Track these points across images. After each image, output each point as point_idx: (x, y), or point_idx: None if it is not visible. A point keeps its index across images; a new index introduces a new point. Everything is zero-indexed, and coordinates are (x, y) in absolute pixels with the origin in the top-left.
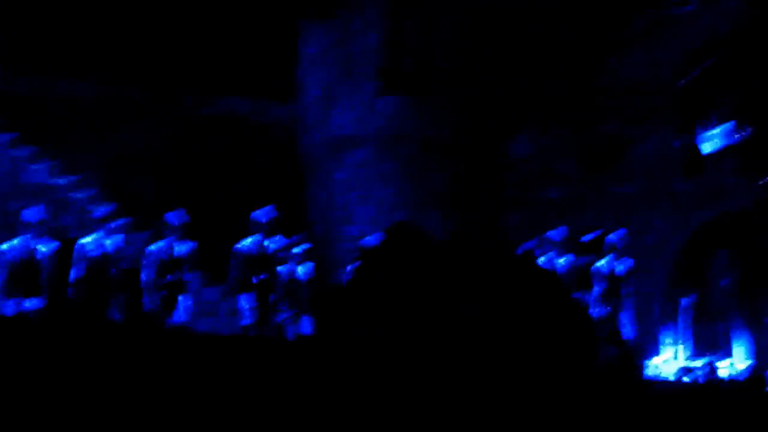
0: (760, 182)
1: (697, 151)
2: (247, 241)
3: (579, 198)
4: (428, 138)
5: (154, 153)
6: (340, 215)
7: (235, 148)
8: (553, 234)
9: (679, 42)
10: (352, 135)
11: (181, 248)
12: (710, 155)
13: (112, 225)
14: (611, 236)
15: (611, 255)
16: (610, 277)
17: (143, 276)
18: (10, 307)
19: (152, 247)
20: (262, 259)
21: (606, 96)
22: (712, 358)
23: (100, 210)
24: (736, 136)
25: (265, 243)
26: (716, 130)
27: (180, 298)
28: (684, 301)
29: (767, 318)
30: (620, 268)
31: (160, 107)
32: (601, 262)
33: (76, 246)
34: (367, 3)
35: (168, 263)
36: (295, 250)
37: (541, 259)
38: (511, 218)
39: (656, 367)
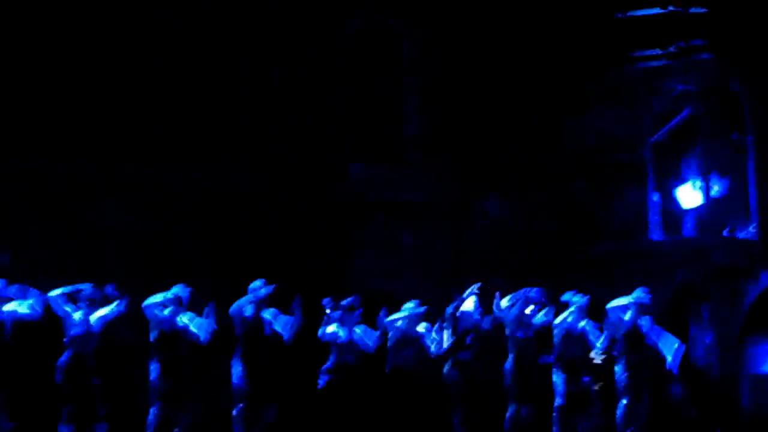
0: (725, 232)
1: (674, 207)
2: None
3: (553, 258)
4: (402, 202)
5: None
6: None
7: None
8: (533, 293)
9: (651, 97)
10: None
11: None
12: (686, 211)
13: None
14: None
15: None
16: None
17: None
18: None
19: None
20: None
21: (578, 154)
22: None
23: None
24: (711, 190)
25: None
26: (692, 185)
27: None
28: None
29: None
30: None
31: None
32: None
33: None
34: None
35: None
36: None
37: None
38: (487, 279)
39: None
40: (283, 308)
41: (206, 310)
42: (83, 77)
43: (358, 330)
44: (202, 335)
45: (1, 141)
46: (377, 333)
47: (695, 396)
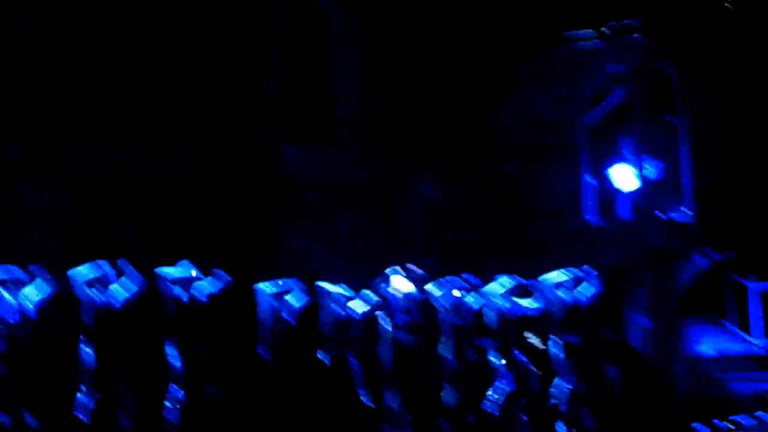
0: (665, 217)
1: (606, 188)
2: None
3: (486, 240)
4: (335, 183)
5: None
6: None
7: None
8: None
9: (583, 79)
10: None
11: None
12: (619, 192)
13: None
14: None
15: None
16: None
17: None
18: None
19: None
20: None
21: (511, 135)
22: None
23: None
24: (645, 171)
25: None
26: (625, 167)
27: None
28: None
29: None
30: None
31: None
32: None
33: None
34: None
35: None
36: None
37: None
38: (420, 260)
39: None
40: None
41: None
42: (3, 56)
43: None
44: None
45: None
46: None
47: (630, 377)
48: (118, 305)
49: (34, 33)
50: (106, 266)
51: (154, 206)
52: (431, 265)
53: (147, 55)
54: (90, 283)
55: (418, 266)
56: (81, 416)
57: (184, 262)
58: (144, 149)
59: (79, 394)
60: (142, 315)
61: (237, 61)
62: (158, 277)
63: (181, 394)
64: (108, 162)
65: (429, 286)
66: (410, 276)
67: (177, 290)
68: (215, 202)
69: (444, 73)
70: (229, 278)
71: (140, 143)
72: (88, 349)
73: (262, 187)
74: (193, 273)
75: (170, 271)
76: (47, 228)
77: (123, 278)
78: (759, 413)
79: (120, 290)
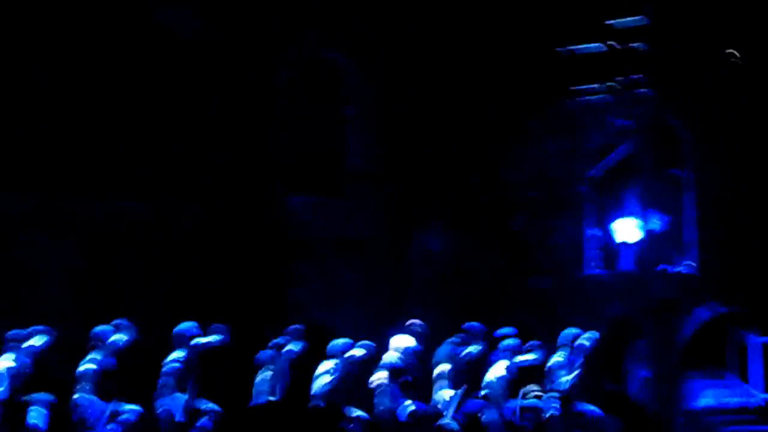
0: (669, 270)
1: (612, 241)
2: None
3: (492, 292)
4: (342, 236)
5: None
6: None
7: None
8: (472, 328)
9: (590, 132)
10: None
11: None
12: (623, 245)
13: None
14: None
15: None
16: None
17: None
18: None
19: None
20: None
21: (517, 188)
22: None
23: None
24: (649, 225)
25: None
26: (629, 220)
27: None
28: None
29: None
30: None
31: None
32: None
33: None
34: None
35: None
36: None
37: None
38: (427, 313)
39: None
40: None
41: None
42: (10, 107)
43: None
44: None
45: None
46: None
47: (631, 428)
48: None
49: (48, 87)
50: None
51: (162, 257)
52: (437, 317)
53: (159, 108)
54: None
55: (424, 319)
56: None
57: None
58: (154, 201)
59: None
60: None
61: (247, 114)
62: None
63: None
64: (118, 213)
65: None
66: (413, 332)
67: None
68: (224, 253)
69: (452, 128)
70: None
71: (150, 195)
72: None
73: (269, 238)
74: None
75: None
76: (54, 281)
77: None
78: None
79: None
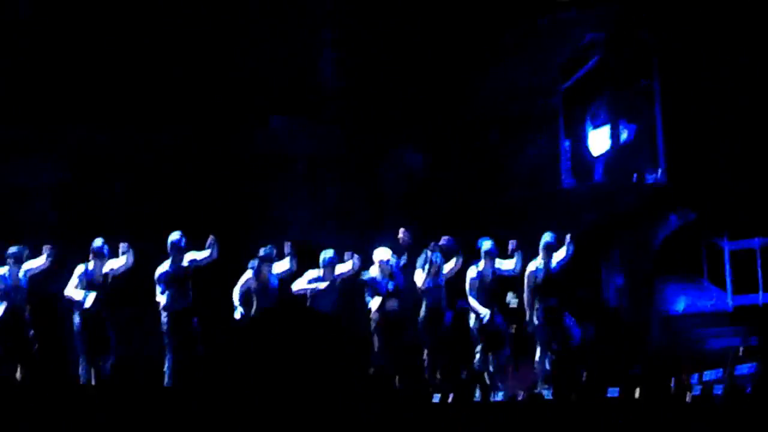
0: (633, 179)
1: (584, 153)
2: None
3: (467, 206)
4: (317, 155)
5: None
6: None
7: None
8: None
9: (560, 46)
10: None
11: None
12: (596, 157)
13: None
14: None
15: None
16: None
17: None
18: None
19: None
20: None
21: (490, 103)
22: None
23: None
24: (620, 136)
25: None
26: (600, 131)
27: None
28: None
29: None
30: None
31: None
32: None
33: None
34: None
35: None
36: None
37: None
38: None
39: None
40: None
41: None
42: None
43: None
44: None
45: None
46: None
47: (607, 336)
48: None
49: (32, 19)
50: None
51: (146, 179)
52: (414, 231)
53: (140, 32)
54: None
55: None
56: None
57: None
58: (138, 123)
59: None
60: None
61: (227, 35)
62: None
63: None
64: (105, 137)
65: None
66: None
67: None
68: (206, 172)
69: (425, 44)
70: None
71: (136, 118)
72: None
73: (251, 157)
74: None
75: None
76: (45, 203)
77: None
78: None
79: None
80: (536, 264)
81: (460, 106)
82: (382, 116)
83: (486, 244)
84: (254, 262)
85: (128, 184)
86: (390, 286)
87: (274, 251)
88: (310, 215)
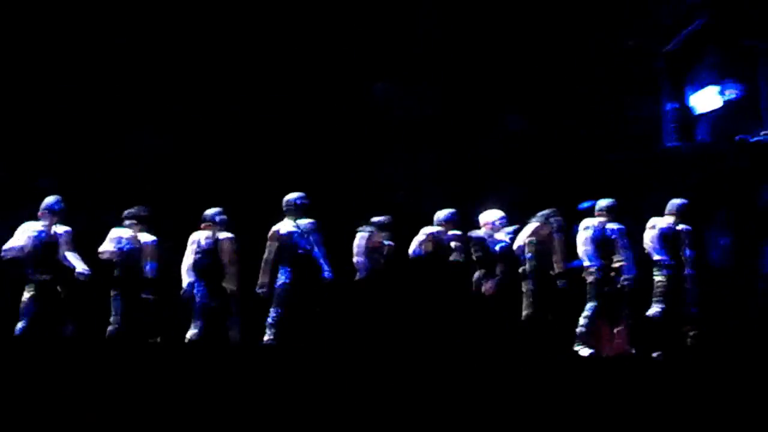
0: (736, 138)
1: (688, 115)
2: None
3: (574, 168)
4: (422, 118)
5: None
6: None
7: None
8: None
9: (664, 8)
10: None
11: None
12: (700, 117)
13: None
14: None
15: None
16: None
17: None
18: None
19: None
20: None
21: (595, 66)
22: None
23: None
24: (727, 95)
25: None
26: (704, 92)
27: None
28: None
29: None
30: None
31: None
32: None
33: None
34: None
35: None
36: None
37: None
38: (509, 192)
39: None
40: None
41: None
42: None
43: None
44: None
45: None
46: None
47: (711, 297)
48: None
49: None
50: None
51: (250, 146)
52: (518, 197)
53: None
54: None
55: (503, 197)
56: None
57: None
58: (245, 93)
59: None
60: None
61: (329, 12)
62: None
63: None
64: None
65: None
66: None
67: None
68: (310, 140)
69: (529, 5)
70: None
71: (243, 88)
72: None
73: (354, 125)
74: None
75: None
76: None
77: None
78: None
79: None
80: (666, 221)
81: (563, 68)
82: (484, 79)
83: (603, 202)
84: (367, 228)
85: (229, 150)
86: (498, 247)
87: (388, 220)
88: (412, 181)
